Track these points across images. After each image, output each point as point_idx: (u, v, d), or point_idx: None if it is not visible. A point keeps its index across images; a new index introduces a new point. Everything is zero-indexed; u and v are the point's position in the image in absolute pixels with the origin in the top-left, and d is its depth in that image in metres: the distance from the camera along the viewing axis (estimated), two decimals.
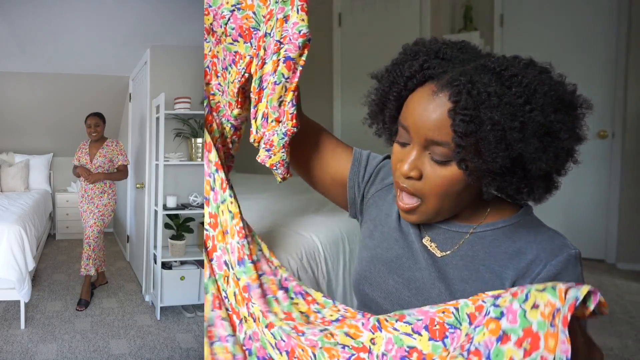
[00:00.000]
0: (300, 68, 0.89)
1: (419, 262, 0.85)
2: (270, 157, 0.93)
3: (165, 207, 2.49)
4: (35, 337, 2.25)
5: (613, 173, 3.53)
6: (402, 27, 3.43)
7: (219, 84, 1.02)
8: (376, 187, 0.98)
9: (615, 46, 3.46)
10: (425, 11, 3.37)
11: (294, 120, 0.90)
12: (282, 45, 0.87)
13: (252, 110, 0.96)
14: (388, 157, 1.01)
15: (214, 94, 1.03)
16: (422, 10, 3.39)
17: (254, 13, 0.92)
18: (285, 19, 0.87)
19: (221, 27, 0.94)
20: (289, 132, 0.90)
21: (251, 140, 0.97)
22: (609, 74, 3.49)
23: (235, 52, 0.95)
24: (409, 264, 0.86)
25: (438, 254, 0.84)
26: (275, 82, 0.88)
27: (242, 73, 0.95)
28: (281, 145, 0.92)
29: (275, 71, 0.88)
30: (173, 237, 2.51)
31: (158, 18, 2.36)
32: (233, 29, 0.93)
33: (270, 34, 0.90)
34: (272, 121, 0.91)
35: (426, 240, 0.86)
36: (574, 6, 3.57)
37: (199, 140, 2.54)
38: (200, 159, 2.55)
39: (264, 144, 0.93)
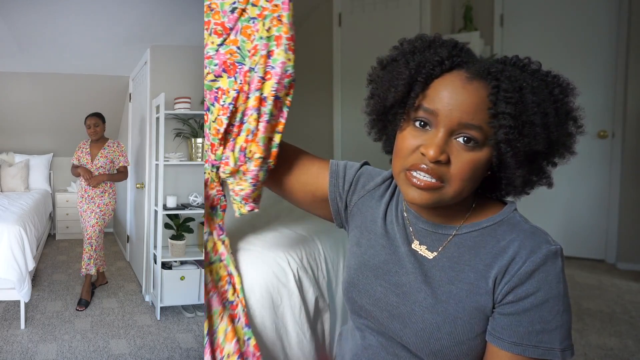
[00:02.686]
0: (287, 109, 0.94)
1: (405, 267, 0.85)
2: (254, 191, 0.96)
3: (165, 207, 2.49)
4: (35, 337, 2.25)
5: (613, 173, 3.52)
6: (402, 27, 3.42)
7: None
8: (358, 195, 0.98)
9: (615, 46, 3.46)
10: (425, 11, 3.37)
11: (275, 159, 0.96)
12: (264, 82, 0.90)
13: (230, 143, 0.96)
14: (365, 163, 1.03)
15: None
16: (422, 10, 3.38)
17: (239, 48, 0.92)
18: (269, 54, 0.90)
19: (206, 67, 0.93)
20: (269, 169, 0.96)
21: (225, 171, 0.96)
22: (609, 74, 3.49)
23: (218, 88, 0.93)
24: (395, 269, 0.86)
25: (430, 256, 0.84)
26: (267, 120, 0.91)
27: (230, 108, 0.93)
28: (263, 180, 0.97)
29: (258, 107, 0.91)
30: (173, 237, 2.51)
31: (158, 18, 2.36)
32: (216, 65, 0.92)
33: (254, 69, 0.91)
34: (259, 157, 0.93)
35: (415, 245, 0.86)
36: (574, 6, 3.57)
37: (199, 140, 2.54)
38: (200, 159, 2.55)
39: (252, 178, 0.94)
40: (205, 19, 0.92)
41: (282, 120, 0.94)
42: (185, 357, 2.16)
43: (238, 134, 0.94)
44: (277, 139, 0.95)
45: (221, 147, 0.96)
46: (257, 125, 0.92)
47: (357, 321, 0.94)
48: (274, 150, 0.95)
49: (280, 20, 0.90)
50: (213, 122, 0.95)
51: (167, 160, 2.51)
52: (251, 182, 0.94)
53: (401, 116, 0.80)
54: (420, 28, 3.35)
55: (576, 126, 0.78)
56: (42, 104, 3.77)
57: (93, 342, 2.24)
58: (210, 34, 0.91)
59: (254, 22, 0.91)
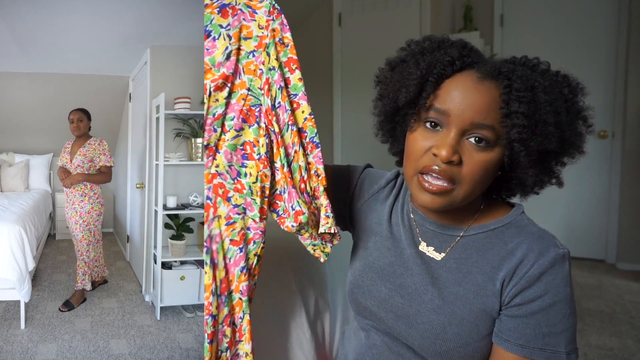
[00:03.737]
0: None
1: (410, 269, 0.85)
2: (330, 225, 0.84)
3: (165, 207, 2.49)
4: (35, 337, 2.25)
5: (613, 173, 3.53)
6: (402, 27, 3.42)
7: (235, 206, 0.84)
8: (363, 198, 0.98)
9: (615, 46, 3.46)
10: (425, 11, 3.37)
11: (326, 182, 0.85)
12: (294, 113, 0.82)
13: (287, 190, 0.82)
14: (368, 166, 1.02)
15: (231, 224, 0.84)
16: (422, 10, 3.38)
17: (249, 89, 0.82)
18: (286, 83, 0.82)
19: (215, 131, 0.82)
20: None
21: (302, 220, 0.81)
22: (609, 74, 3.49)
23: (244, 143, 0.83)
24: (400, 270, 0.86)
25: (438, 257, 0.84)
26: (318, 147, 0.82)
27: (269, 157, 0.83)
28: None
29: (301, 141, 0.82)
30: (173, 237, 2.51)
31: (158, 18, 2.36)
32: (233, 118, 0.82)
33: (276, 105, 0.82)
34: (324, 188, 0.83)
35: (423, 247, 0.86)
36: (574, 6, 3.57)
37: (199, 140, 2.54)
38: (200, 159, 2.55)
39: (332, 211, 0.84)
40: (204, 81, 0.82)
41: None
42: (185, 357, 2.16)
43: (291, 179, 0.82)
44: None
45: (280, 203, 0.85)
46: (307, 159, 0.83)
47: (361, 322, 0.94)
48: (324, 176, 0.85)
49: (283, 43, 0.82)
50: (254, 183, 0.83)
51: (167, 160, 2.51)
52: (332, 215, 0.84)
53: (411, 117, 0.79)
54: (420, 28, 3.35)
55: (586, 125, 0.78)
56: (42, 104, 3.77)
57: (93, 342, 2.24)
58: (210, 95, 0.80)
59: (254, 56, 0.82)
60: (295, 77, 0.82)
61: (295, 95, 0.82)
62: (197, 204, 2.53)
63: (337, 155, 3.85)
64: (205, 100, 0.81)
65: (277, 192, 0.85)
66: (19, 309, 2.37)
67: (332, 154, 3.86)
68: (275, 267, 1.25)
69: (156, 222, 2.52)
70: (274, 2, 0.82)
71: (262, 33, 0.82)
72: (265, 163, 0.82)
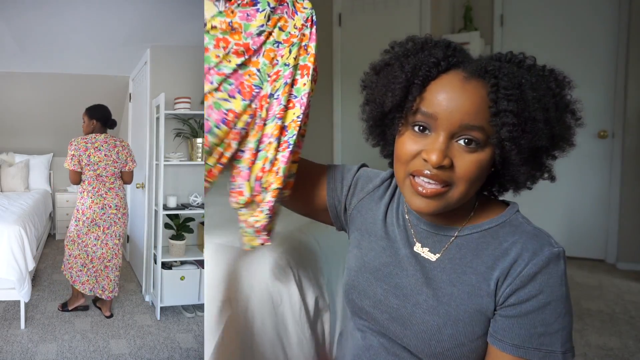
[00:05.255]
0: (302, 139, 0.92)
1: (405, 269, 0.85)
2: (269, 223, 0.91)
3: (165, 207, 2.49)
4: (35, 337, 2.25)
5: (613, 173, 3.52)
6: (402, 27, 3.42)
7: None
8: (358, 198, 0.97)
9: (615, 46, 3.46)
10: (425, 11, 3.37)
11: (290, 189, 0.92)
12: (286, 110, 0.87)
13: (244, 171, 0.89)
14: (363, 165, 1.02)
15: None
16: (422, 10, 3.38)
17: (259, 70, 0.87)
18: (293, 83, 0.87)
19: (212, 83, 0.86)
20: (282, 199, 0.93)
21: (239, 201, 0.90)
22: (609, 74, 3.49)
23: (229, 109, 0.86)
24: (396, 271, 0.86)
25: (433, 258, 0.83)
26: (291, 150, 0.87)
27: (242, 133, 0.88)
28: (278, 213, 0.93)
29: (279, 136, 0.87)
30: (173, 237, 2.51)
31: (158, 18, 2.36)
32: (232, 84, 0.86)
33: (274, 95, 0.87)
34: (276, 188, 0.88)
35: (418, 248, 0.86)
36: (574, 6, 3.57)
37: (199, 140, 2.54)
38: (200, 159, 2.55)
39: (268, 210, 0.89)
40: (221, 35, 0.86)
41: (299, 150, 0.91)
42: (185, 357, 2.16)
43: (253, 162, 0.88)
44: (293, 169, 0.92)
45: (237, 179, 0.90)
46: (276, 154, 0.87)
47: (357, 322, 0.94)
48: (290, 180, 0.91)
49: (306, 50, 0.87)
50: (217, 145, 0.87)
51: (167, 160, 2.51)
52: (267, 214, 0.89)
53: (399, 120, 0.78)
54: (420, 28, 3.35)
55: (575, 119, 0.77)
56: (42, 104, 3.77)
57: (93, 342, 2.24)
58: (228, 53, 0.85)
59: (278, 46, 0.87)
60: (302, 82, 0.87)
61: (295, 97, 0.88)
62: (197, 204, 2.53)
63: (337, 155, 3.85)
64: (220, 54, 0.85)
65: (240, 168, 0.90)
66: (19, 309, 2.37)
67: (332, 154, 3.86)
68: (276, 267, 1.25)
69: (156, 222, 2.52)
70: (314, 14, 0.89)
71: (294, 32, 0.88)
72: (237, 136, 0.87)
